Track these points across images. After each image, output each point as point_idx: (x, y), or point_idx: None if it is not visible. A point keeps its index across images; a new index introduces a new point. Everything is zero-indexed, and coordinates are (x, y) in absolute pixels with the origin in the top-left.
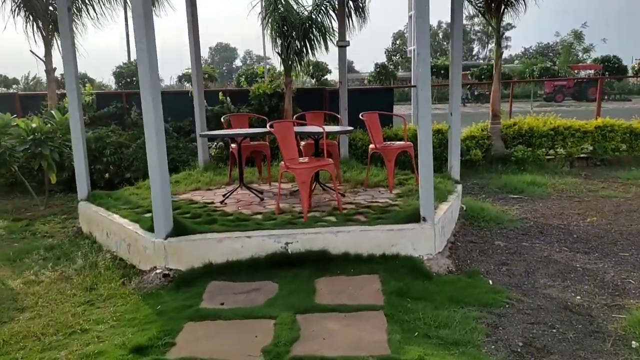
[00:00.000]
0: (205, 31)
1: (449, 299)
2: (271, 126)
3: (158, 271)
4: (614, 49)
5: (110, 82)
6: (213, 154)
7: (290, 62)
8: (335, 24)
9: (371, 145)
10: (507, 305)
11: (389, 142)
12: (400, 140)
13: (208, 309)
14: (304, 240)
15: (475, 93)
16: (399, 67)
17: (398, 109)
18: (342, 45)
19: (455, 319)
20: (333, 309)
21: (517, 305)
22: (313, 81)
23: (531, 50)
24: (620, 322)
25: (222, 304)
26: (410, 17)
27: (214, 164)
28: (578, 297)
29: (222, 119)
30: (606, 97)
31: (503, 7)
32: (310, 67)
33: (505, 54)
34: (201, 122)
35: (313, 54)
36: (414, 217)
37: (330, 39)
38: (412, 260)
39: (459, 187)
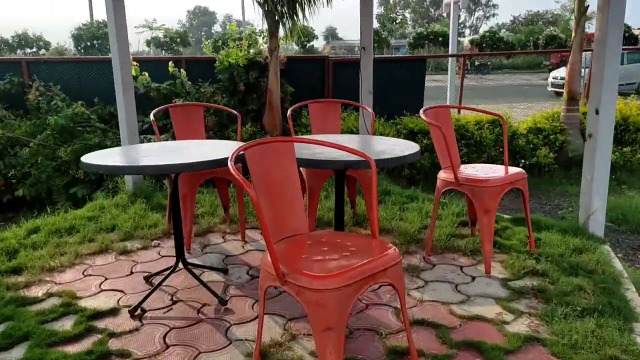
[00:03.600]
0: None
1: None
2: (239, 158)
3: None
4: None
5: (71, 45)
6: None
7: (277, 18)
8: None
9: (443, 174)
10: None
11: (472, 168)
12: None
13: None
14: None
15: (476, 63)
16: (392, 33)
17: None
18: None
19: None
20: None
21: None
22: (297, 48)
23: (520, 19)
24: None
25: None
26: None
27: (151, 185)
28: None
29: (151, 115)
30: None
31: None
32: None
33: (492, 22)
34: (127, 114)
35: (313, 3)
36: None
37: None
38: None
39: (618, 264)
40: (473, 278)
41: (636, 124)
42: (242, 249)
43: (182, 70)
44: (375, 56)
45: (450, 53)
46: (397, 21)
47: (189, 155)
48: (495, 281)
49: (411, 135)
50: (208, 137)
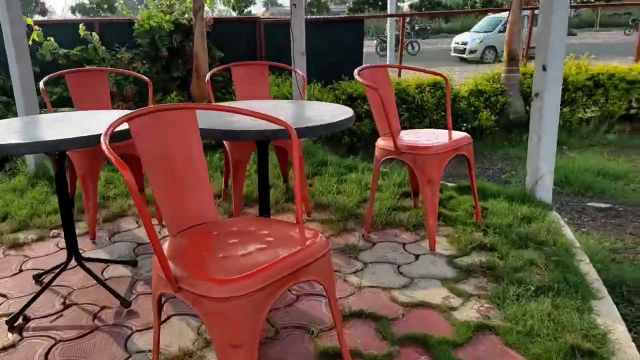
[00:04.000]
0: None
1: None
2: (122, 134)
3: None
4: None
5: None
6: None
7: None
8: None
9: (381, 141)
10: None
11: (414, 134)
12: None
13: None
14: None
15: (416, 28)
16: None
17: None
18: None
19: None
20: None
21: None
22: (234, 14)
23: None
24: None
25: None
26: None
27: None
28: None
29: (41, 83)
30: None
31: None
32: None
33: None
34: (23, 84)
35: None
36: None
37: None
38: None
39: (569, 233)
40: (417, 256)
41: (575, 83)
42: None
43: (94, 34)
44: (310, 16)
45: (389, 14)
46: None
47: (69, 130)
48: (441, 259)
49: (350, 101)
50: (127, 108)
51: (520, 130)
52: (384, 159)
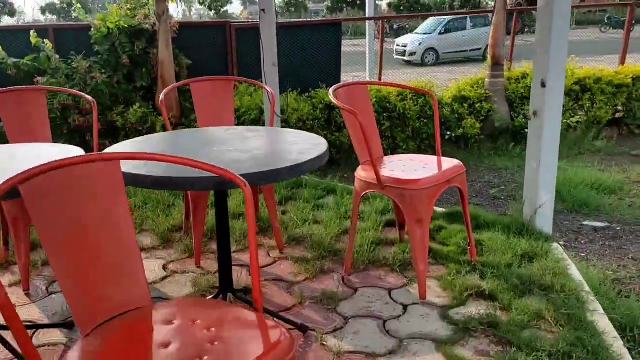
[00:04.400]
0: None
1: None
2: (12, 194)
3: None
4: None
5: None
6: None
7: None
8: None
9: (362, 172)
10: None
11: (398, 163)
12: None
13: None
14: None
15: (395, 27)
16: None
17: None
18: None
19: None
20: None
21: None
22: (211, 14)
23: None
24: None
25: None
26: None
27: None
28: None
29: None
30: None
31: None
32: None
33: None
34: None
35: None
36: None
37: None
38: None
39: (575, 272)
40: (405, 307)
41: None
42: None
43: (46, 41)
44: (282, 20)
45: (367, 16)
46: None
47: None
48: (433, 311)
49: (328, 110)
50: (85, 123)
51: (506, 138)
52: (365, 192)
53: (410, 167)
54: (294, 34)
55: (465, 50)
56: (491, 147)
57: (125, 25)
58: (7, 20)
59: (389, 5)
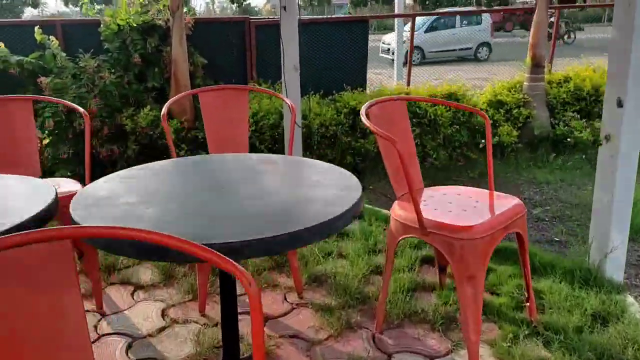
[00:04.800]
0: None
1: None
2: None
3: None
4: None
5: None
6: None
7: None
8: None
9: (399, 209)
10: None
11: (441, 199)
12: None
13: None
14: None
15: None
16: None
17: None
18: None
19: None
20: None
21: None
22: (234, 7)
23: None
24: None
25: None
26: None
27: None
28: None
29: None
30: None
31: None
32: None
33: None
34: None
35: None
36: None
37: None
38: None
39: None
40: None
41: (598, 94)
42: None
43: (52, 37)
44: (305, 16)
45: (396, 12)
46: None
47: None
48: None
49: (353, 115)
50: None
51: (546, 147)
52: (402, 238)
53: (458, 205)
54: (316, 32)
55: (454, 50)
56: (529, 156)
57: (136, 23)
58: (31, 12)
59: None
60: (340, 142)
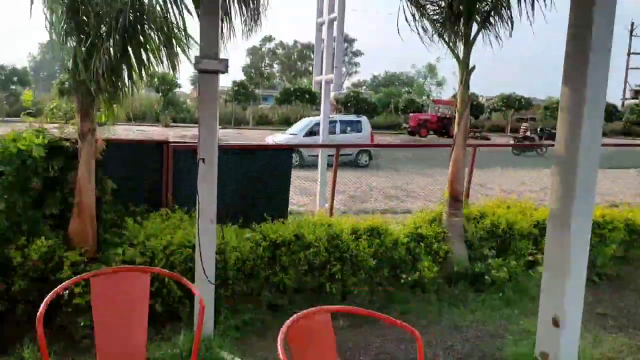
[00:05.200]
0: None
1: None
2: None
3: None
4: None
5: None
6: None
7: (94, 90)
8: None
9: None
10: None
11: None
12: None
13: None
14: None
15: None
16: (259, 86)
17: None
18: (210, 71)
19: None
20: None
21: None
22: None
23: (380, 78)
24: None
25: None
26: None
27: None
28: None
29: None
30: (470, 135)
31: (477, 26)
32: (155, 80)
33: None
34: None
35: (145, 73)
36: None
37: (183, 49)
38: None
39: None
40: None
41: (521, 230)
42: None
43: None
44: (225, 143)
45: (322, 114)
46: (265, 75)
47: None
48: None
49: (274, 248)
50: None
51: (465, 284)
52: None
53: None
54: (238, 160)
55: (332, 155)
56: (450, 294)
57: (36, 146)
58: None
59: (337, 101)
60: (258, 276)
